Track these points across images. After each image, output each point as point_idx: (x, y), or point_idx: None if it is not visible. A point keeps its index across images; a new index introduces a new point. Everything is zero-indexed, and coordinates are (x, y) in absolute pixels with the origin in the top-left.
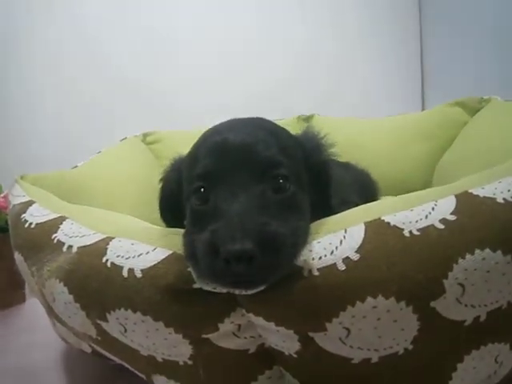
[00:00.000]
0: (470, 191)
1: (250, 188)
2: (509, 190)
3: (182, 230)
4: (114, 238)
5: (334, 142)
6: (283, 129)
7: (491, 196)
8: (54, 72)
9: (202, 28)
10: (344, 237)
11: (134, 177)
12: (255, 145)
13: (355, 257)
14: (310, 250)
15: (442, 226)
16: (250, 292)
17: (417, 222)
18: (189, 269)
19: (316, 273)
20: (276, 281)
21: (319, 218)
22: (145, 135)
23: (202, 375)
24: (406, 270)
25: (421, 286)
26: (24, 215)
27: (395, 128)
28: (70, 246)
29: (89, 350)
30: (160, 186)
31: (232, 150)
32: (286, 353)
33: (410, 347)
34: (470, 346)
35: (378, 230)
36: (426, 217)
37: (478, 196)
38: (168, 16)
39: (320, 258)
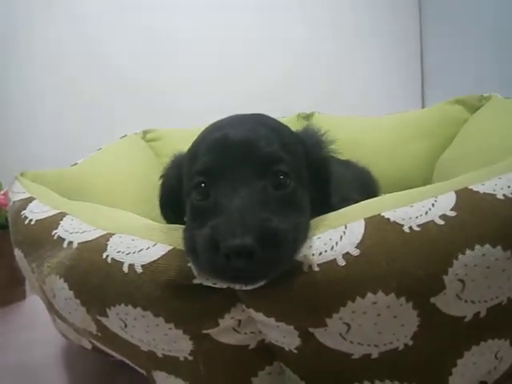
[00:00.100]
0: (470, 187)
1: (250, 184)
2: (509, 186)
3: (182, 226)
4: (114, 233)
5: (334, 139)
6: (284, 125)
7: (491, 192)
8: (53, 72)
9: (202, 28)
10: (344, 232)
11: (134, 174)
12: (256, 141)
13: (355, 252)
14: (310, 246)
15: (442, 222)
16: (250, 287)
17: (417, 217)
18: (189, 264)
19: (316, 268)
20: (276, 276)
21: (319, 215)
22: (145, 132)
23: (203, 371)
24: (406, 265)
25: (421, 281)
26: (24, 212)
27: (395, 126)
28: (71, 242)
29: (89, 346)
30: (160, 182)
31: (233, 146)
32: (287, 348)
33: (410, 343)
34: (470, 341)
35: (378, 225)
36: (426, 213)
37: (478, 192)
38: (168, 16)
39: (320, 253)
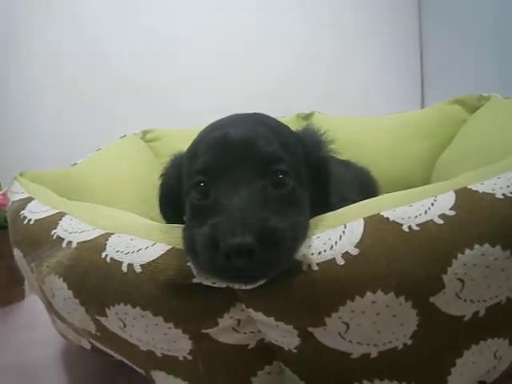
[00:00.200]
0: (469, 187)
1: (250, 183)
2: (508, 186)
3: (181, 226)
4: (113, 233)
5: (333, 139)
6: (283, 124)
7: (490, 191)
8: (53, 72)
9: (202, 28)
10: (343, 232)
11: (133, 174)
12: (256, 140)
13: (354, 252)
14: (310, 245)
15: (441, 222)
16: (249, 287)
17: (416, 217)
18: (188, 264)
19: (315, 268)
20: (275, 276)
21: (318, 215)
22: (144, 133)
23: (202, 370)
24: (406, 265)
25: (420, 281)
26: (23, 212)
27: (395, 126)
28: (70, 242)
29: (88, 346)
30: (160, 182)
31: (232, 145)
32: (286, 348)
33: (410, 342)
34: (470, 341)
35: (377, 225)
36: (426, 212)
37: (477, 191)
38: (168, 16)
39: (319, 252)
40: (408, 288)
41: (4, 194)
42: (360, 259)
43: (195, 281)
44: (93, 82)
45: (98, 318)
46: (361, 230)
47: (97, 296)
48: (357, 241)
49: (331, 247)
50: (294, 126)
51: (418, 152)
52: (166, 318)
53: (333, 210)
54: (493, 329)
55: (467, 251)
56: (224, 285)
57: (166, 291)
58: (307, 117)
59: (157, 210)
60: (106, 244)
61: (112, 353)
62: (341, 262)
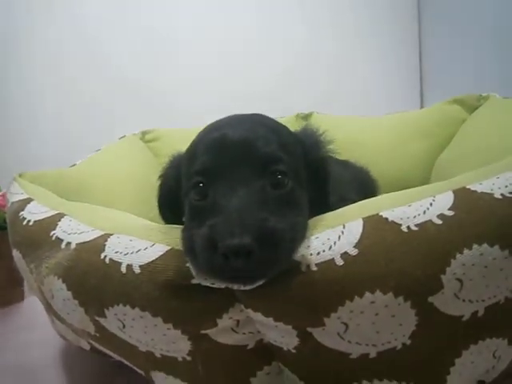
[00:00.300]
0: (467, 187)
1: (248, 183)
2: (506, 186)
3: (180, 227)
4: (112, 234)
5: (332, 140)
6: (282, 125)
7: (489, 191)
8: (53, 72)
9: (202, 28)
10: (342, 232)
11: (133, 175)
12: (254, 140)
13: (353, 252)
14: (309, 246)
15: (439, 222)
16: (248, 287)
17: (415, 217)
18: (187, 264)
19: (314, 268)
20: (274, 276)
21: (317, 215)
22: (143, 133)
23: (201, 371)
24: (404, 265)
25: (419, 281)
26: (22, 213)
27: (394, 126)
28: (69, 243)
29: (87, 347)
30: (159, 183)
31: (231, 146)
32: (285, 348)
33: (408, 342)
34: (468, 340)
35: (376, 225)
36: (424, 212)
37: (475, 191)
38: (168, 16)
39: (318, 253)
40: (407, 288)
41: (3, 195)
42: (359, 259)
43: (194, 281)
44: (93, 82)
45: (97, 318)
46: (360, 230)
47: (96, 297)
48: (356, 241)
49: (330, 247)
50: (294, 126)
51: (418, 152)
52: (165, 319)
53: (332, 210)
54: (491, 329)
55: (466, 251)
56: (223, 285)
57: (165, 292)
58: (306, 117)
59: (156, 211)
60: (105, 245)
61: (111, 353)
62: (340, 262)
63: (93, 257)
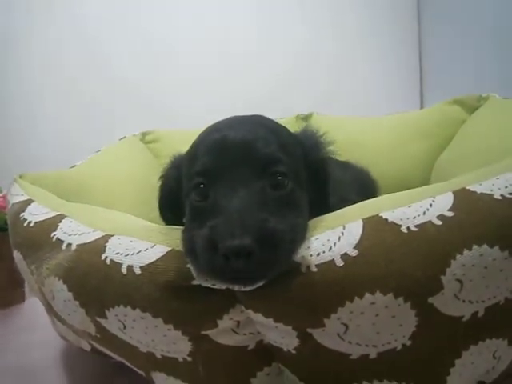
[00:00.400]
0: (467, 188)
1: (249, 184)
2: (506, 187)
3: (181, 228)
4: (112, 235)
5: (332, 140)
6: (282, 126)
7: (488, 192)
8: (53, 72)
9: (202, 28)
10: (342, 233)
11: (133, 176)
12: (254, 142)
13: (353, 253)
14: (309, 247)
15: (439, 223)
16: (248, 288)
17: (414, 218)
18: (188, 265)
19: (314, 269)
20: (274, 277)
21: (318, 216)
22: (143, 134)
23: (202, 372)
24: (404, 266)
25: (419, 282)
26: (23, 214)
27: (394, 126)
28: (69, 244)
29: (88, 348)
30: (159, 183)
31: (231, 147)
32: (285, 349)
33: (408, 343)
34: (468, 341)
35: (376, 226)
36: (424, 213)
37: (475, 192)
38: (168, 16)
39: (318, 254)
40: (407, 289)
41: (4, 197)
42: (359, 260)
43: (195, 283)
44: (92, 82)
45: (97, 319)
46: (359, 231)
47: (97, 298)
48: (356, 242)
49: (330, 248)
50: (294, 126)
51: (418, 152)
52: (166, 320)
53: (332, 211)
54: (491, 329)
55: (466, 252)
56: (223, 286)
57: (166, 293)
58: (306, 118)
59: (156, 212)
60: (105, 246)
61: (112, 354)
62: (340, 263)
63: (93, 258)
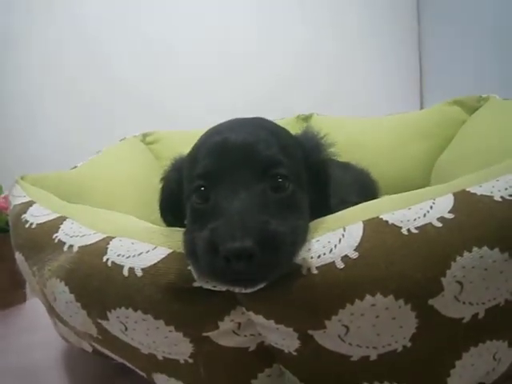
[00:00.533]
0: (467, 189)
1: (250, 187)
2: (506, 189)
3: (182, 230)
4: (114, 237)
5: (333, 142)
6: (283, 128)
7: (488, 194)
8: (53, 72)
9: (202, 28)
10: (343, 235)
11: (134, 177)
12: (255, 144)
13: (354, 255)
14: (309, 249)
15: (439, 225)
16: (249, 290)
17: (415, 220)
18: (189, 267)
19: (315, 271)
20: (275, 279)
21: (318, 218)
22: (144, 135)
23: (203, 373)
24: (405, 268)
25: (419, 283)
26: (24, 215)
27: (394, 127)
28: (71, 246)
29: (89, 349)
30: (160, 185)
31: (232, 150)
32: (286, 351)
33: (409, 345)
34: (469, 343)
35: (376, 228)
36: (424, 215)
37: (475, 194)
38: (168, 16)
39: (319, 256)
40: (407, 291)
41: (5, 198)
42: (359, 262)
43: (196, 284)
44: (92, 82)
45: (99, 321)
46: (360, 233)
47: (98, 300)
48: (356, 244)
49: (331, 250)
50: (294, 127)
51: (418, 153)
52: (167, 322)
53: (333, 213)
54: (492, 331)
55: (466, 254)
56: (224, 288)
57: (167, 295)
58: (307, 118)
59: (157, 214)
60: (107, 248)
61: (113, 356)
62: (340, 265)
63: (95, 260)
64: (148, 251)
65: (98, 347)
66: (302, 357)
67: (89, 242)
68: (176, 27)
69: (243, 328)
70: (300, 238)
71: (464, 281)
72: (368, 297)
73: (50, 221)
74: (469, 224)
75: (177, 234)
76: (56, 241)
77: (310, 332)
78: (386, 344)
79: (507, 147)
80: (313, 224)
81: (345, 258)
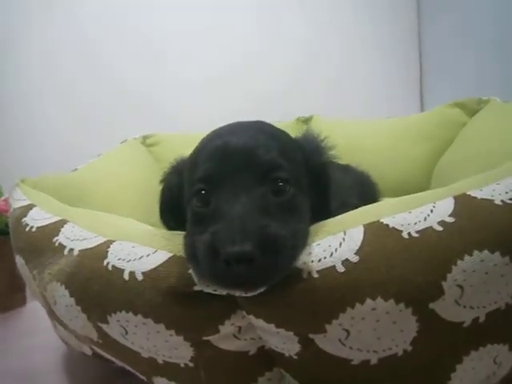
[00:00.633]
0: (468, 193)
1: (250, 190)
2: (506, 192)
3: (182, 233)
4: (114, 241)
5: (333, 145)
6: (283, 132)
7: (489, 198)
8: (52, 73)
9: (203, 28)
10: (343, 239)
11: (134, 179)
12: (256, 148)
13: (354, 259)
14: (310, 253)
15: (440, 228)
16: (250, 294)
17: (415, 224)
18: (189, 271)
19: (316, 275)
20: (276, 283)
21: (319, 221)
22: (144, 138)
23: (203, 377)
24: (405, 272)
25: (420, 287)
26: (25, 219)
27: (395, 129)
28: (72, 249)
29: (90, 353)
30: (160, 188)
31: (233, 154)
32: (287, 354)
33: (409, 348)
34: (469, 347)
35: (377, 232)
36: (425, 219)
37: (475, 198)
38: (168, 16)
39: (319, 260)
40: (408, 295)
41: (5, 200)
42: (360, 266)
43: (196, 288)
44: (92, 82)
45: (99, 325)
46: (361, 236)
47: (99, 303)
48: (357, 248)
49: (331, 254)
50: (294, 130)
51: (418, 155)
52: (168, 326)
53: (333, 216)
54: (492, 335)
55: (466, 258)
56: (225, 292)
57: (168, 299)
58: (307, 120)
59: (157, 216)
60: (107, 251)
61: (113, 359)
62: (341, 269)
63: (95, 263)
64: (148, 255)
65: (99, 351)
66: (303, 361)
67: (89, 246)
68: (176, 28)
69: (244, 332)
70: (301, 241)
71: (465, 284)
72: (369, 301)
73: (51, 224)
74: (469, 228)
75: (177, 238)
76: (56, 244)
77: (311, 336)
78: (386, 348)
79: (508, 150)
80: (313, 227)
81: (345, 262)
